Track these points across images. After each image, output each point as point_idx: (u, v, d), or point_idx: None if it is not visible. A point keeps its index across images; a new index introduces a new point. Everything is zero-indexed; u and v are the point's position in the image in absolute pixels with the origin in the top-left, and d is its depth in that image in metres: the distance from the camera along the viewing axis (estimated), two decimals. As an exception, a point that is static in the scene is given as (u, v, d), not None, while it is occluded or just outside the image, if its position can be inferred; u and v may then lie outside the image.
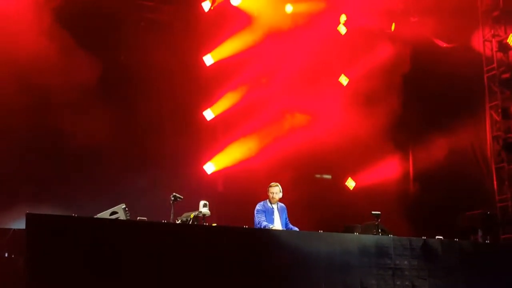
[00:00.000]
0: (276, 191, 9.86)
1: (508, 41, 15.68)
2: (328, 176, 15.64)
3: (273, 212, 9.81)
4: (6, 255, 10.32)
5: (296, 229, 9.74)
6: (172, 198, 9.05)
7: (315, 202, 13.89)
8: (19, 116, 12.11)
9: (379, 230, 9.75)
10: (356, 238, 9.34)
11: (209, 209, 9.07)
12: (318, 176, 15.50)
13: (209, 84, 14.40)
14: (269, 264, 8.61)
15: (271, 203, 9.85)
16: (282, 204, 9.98)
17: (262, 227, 9.48)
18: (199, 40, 14.23)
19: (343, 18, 15.43)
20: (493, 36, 15.95)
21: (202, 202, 9.09)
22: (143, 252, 8.01)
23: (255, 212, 9.77)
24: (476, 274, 9.74)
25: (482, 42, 16.02)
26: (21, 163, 11.92)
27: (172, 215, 8.99)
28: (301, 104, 14.77)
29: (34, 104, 12.16)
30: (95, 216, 8.52)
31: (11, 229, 10.40)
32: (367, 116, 14.85)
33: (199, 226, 8.82)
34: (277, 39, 14.55)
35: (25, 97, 11.97)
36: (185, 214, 9.15)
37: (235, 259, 8.44)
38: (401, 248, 9.36)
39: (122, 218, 8.54)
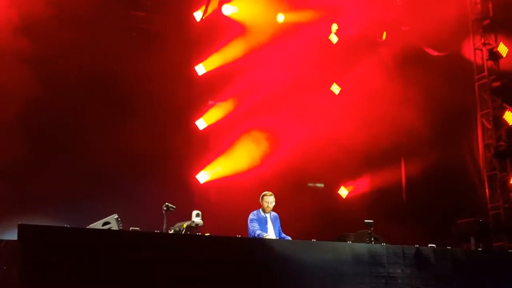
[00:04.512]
0: (272, 200, 9.85)
1: (498, 49, 15.80)
2: (321, 185, 15.65)
3: (266, 221, 9.81)
4: (-1, 266, 10.30)
5: (289, 238, 9.74)
6: (165, 208, 9.04)
7: (308, 210, 13.88)
8: (9, 127, 12.09)
9: (372, 239, 9.76)
10: (349, 247, 9.34)
11: (202, 219, 9.07)
12: (310, 184, 15.50)
13: (202, 94, 14.42)
14: (262, 273, 8.60)
15: (264, 212, 9.84)
16: (275, 213, 9.98)
17: (256, 235, 9.48)
18: (191, 49, 14.26)
19: (334, 27, 15.49)
20: (484, 44, 16.07)
21: (194, 212, 9.09)
22: (136, 263, 7.99)
23: (249, 221, 9.75)
24: (469, 282, 9.74)
25: (473, 50, 16.13)
26: (12, 174, 11.87)
27: (165, 225, 8.98)
28: (293, 113, 14.78)
29: (25, 113, 12.13)
30: (88, 227, 8.50)
31: (3, 240, 10.36)
32: (359, 125, 14.88)
33: (192, 236, 8.81)
34: (269, 49, 14.57)
35: (15, 107, 11.95)
36: (178, 224, 9.15)
37: (228, 268, 8.42)
38: (394, 257, 9.35)
39: (114, 229, 8.53)
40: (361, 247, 9.35)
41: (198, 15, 14.21)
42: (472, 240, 13.74)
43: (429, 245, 9.83)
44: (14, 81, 11.89)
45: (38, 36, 12.30)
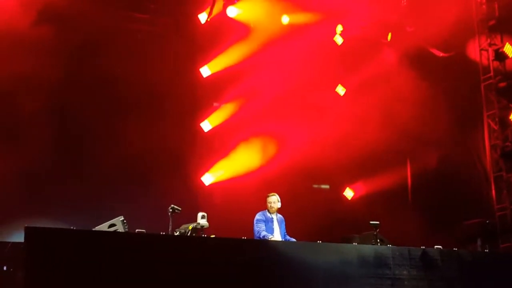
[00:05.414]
0: (274, 200, 9.89)
1: (504, 50, 15.74)
2: (326, 186, 15.64)
3: (272, 221, 9.84)
4: (5, 268, 10.31)
5: (294, 240, 9.74)
6: (170, 210, 9.05)
7: (313, 212, 13.87)
8: (18, 131, 12.14)
9: (378, 240, 9.75)
10: (355, 248, 9.33)
11: (207, 221, 9.07)
12: (316, 186, 15.49)
13: (206, 96, 14.43)
14: (268, 275, 8.59)
15: (270, 213, 9.87)
16: (281, 216, 10.00)
17: (261, 237, 9.50)
18: (196, 51, 14.27)
19: (339, 28, 15.48)
20: (490, 45, 16.01)
21: (200, 214, 9.10)
22: (142, 265, 8.00)
23: (255, 221, 9.79)
24: (475, 283, 9.73)
25: (479, 51, 16.08)
26: (19, 176, 11.89)
27: (170, 227, 8.99)
28: (298, 114, 14.77)
29: (28, 116, 12.16)
30: (94, 229, 8.51)
31: (10, 242, 10.39)
32: (364, 126, 14.86)
33: (197, 237, 8.81)
34: (273, 50, 14.57)
35: (31, 107, 12.01)
36: (183, 226, 9.16)
37: (234, 270, 8.42)
38: (400, 258, 9.34)
39: (120, 231, 8.54)
40: (367, 249, 9.34)
41: (202, 17, 14.22)
42: (479, 242, 13.70)
43: (435, 246, 9.81)
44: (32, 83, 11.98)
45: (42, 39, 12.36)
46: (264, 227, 9.67)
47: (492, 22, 16.01)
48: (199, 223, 9.02)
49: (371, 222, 9.87)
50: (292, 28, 15.00)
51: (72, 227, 8.08)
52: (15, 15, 12.07)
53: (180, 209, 9.09)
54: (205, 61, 14.31)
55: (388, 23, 15.99)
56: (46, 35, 12.25)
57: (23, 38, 12.02)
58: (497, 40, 16.02)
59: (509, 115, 15.65)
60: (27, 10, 12.15)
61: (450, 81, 15.45)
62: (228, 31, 14.44)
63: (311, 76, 14.89)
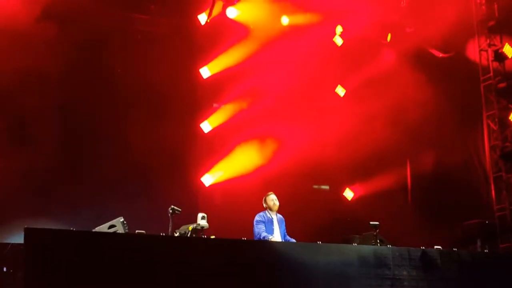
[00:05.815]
0: (275, 198, 9.90)
1: (504, 50, 15.72)
2: (326, 187, 15.64)
3: (272, 222, 9.82)
4: (5, 269, 10.32)
5: (294, 241, 9.74)
6: (170, 211, 9.05)
7: (313, 213, 13.88)
8: (18, 131, 12.15)
9: (378, 241, 9.75)
10: (355, 249, 9.33)
11: (207, 222, 9.08)
12: (315, 187, 15.50)
13: (206, 96, 14.44)
14: (268, 276, 8.59)
15: (271, 213, 9.86)
16: (281, 216, 10.00)
17: (262, 238, 9.49)
18: (196, 52, 14.29)
19: (339, 29, 15.50)
20: (489, 45, 15.99)
21: (200, 215, 9.09)
22: (142, 266, 8.00)
23: (255, 223, 9.77)
24: (475, 284, 9.73)
25: (478, 51, 16.07)
26: (19, 176, 11.90)
27: (170, 228, 8.99)
28: (298, 115, 14.78)
29: (37, 117, 12.18)
30: (94, 230, 8.52)
31: (9, 243, 10.39)
32: (364, 126, 14.87)
33: (197, 238, 8.81)
34: (273, 51, 14.58)
35: (31, 107, 12.01)
36: (183, 227, 9.16)
37: (234, 271, 8.42)
38: (400, 259, 9.34)
39: (120, 232, 8.54)
40: (367, 249, 9.34)
41: (202, 18, 14.23)
42: (478, 242, 13.71)
43: (435, 247, 9.82)
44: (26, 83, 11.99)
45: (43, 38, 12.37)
46: (264, 228, 9.66)
47: (491, 23, 15.99)
48: (199, 224, 9.02)
49: (371, 222, 9.87)
50: (292, 29, 15.02)
51: (72, 228, 8.08)
52: (18, 13, 12.09)
53: (180, 210, 9.09)
54: (205, 62, 14.33)
55: (388, 23, 16.00)
56: (48, 35, 12.27)
57: (25, 36, 12.03)
58: (497, 40, 16.01)
59: (508, 115, 15.65)
60: (30, 8, 12.17)
61: (450, 82, 15.46)
62: (228, 32, 14.46)
63: (310, 77, 14.91)
